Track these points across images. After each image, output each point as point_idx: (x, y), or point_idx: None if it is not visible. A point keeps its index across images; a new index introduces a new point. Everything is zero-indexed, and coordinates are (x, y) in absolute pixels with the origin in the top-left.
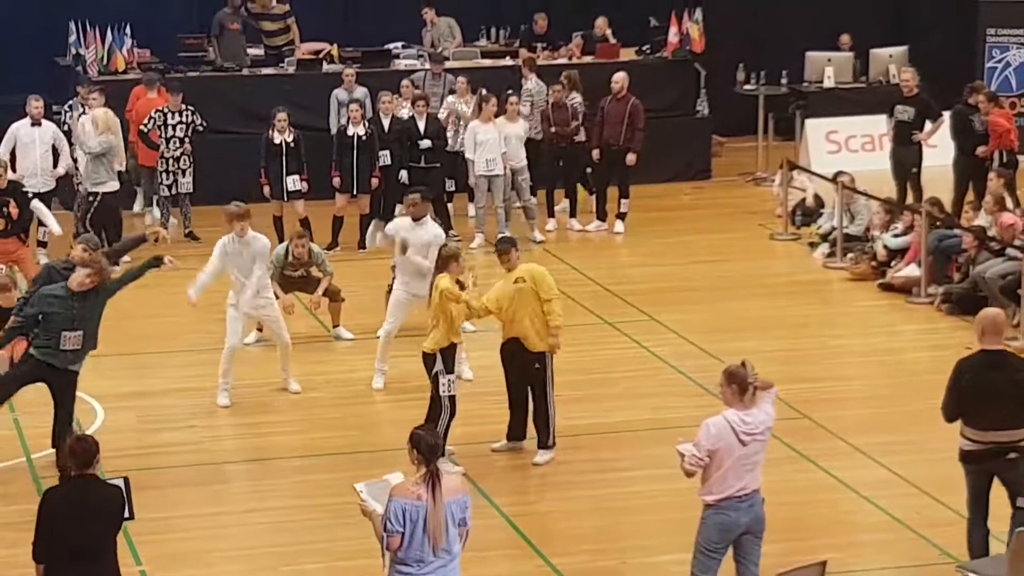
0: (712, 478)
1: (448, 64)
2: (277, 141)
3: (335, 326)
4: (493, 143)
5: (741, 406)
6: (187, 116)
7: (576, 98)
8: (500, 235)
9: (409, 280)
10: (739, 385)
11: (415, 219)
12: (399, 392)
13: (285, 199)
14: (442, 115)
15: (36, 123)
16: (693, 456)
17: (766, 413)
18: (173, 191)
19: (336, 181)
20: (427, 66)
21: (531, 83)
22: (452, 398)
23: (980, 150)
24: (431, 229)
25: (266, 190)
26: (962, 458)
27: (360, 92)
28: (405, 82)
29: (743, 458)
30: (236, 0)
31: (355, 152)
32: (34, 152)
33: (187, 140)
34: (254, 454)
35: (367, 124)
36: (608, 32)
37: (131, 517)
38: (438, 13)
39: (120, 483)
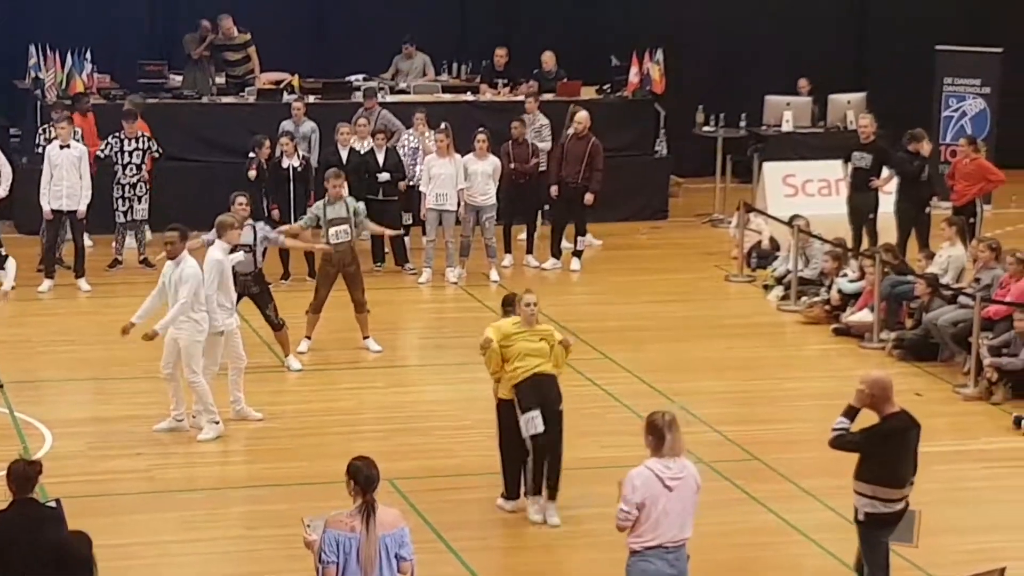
0: (643, 526)
1: (409, 97)
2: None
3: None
4: (446, 178)
5: (666, 452)
6: (143, 142)
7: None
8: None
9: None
10: (655, 436)
11: (171, 257)
12: (352, 424)
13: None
14: (400, 149)
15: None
16: (621, 511)
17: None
18: (128, 217)
19: (275, 213)
20: (387, 98)
21: (540, 118)
22: (533, 437)
23: (933, 200)
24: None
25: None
26: (885, 522)
27: (307, 126)
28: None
29: (671, 504)
30: (205, 30)
31: (290, 184)
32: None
33: (143, 166)
34: (203, 483)
35: (301, 156)
36: (552, 67)
37: None
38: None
39: (53, 504)
